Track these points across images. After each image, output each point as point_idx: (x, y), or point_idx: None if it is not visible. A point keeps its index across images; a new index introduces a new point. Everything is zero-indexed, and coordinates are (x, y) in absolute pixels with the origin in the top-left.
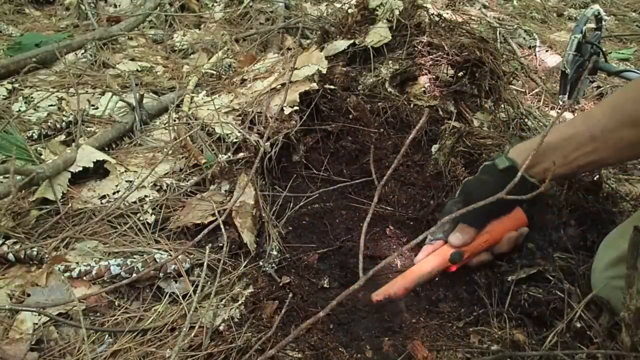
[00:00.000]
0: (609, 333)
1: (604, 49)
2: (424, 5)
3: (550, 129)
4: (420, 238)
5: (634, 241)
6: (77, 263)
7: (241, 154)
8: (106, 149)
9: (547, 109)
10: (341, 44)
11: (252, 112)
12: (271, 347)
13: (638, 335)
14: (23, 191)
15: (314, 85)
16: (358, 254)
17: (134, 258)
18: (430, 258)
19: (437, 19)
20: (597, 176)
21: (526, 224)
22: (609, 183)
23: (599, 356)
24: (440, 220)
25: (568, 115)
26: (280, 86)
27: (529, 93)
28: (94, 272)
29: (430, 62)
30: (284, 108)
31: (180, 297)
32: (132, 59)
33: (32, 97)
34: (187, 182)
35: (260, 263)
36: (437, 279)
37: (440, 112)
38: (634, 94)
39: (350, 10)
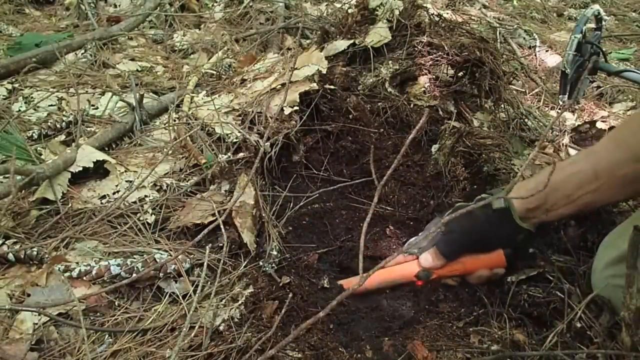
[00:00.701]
0: (609, 333)
1: (604, 49)
2: (424, 5)
3: (553, 172)
4: (420, 238)
5: (633, 241)
6: (77, 263)
7: (241, 154)
8: (106, 149)
9: (547, 109)
10: (341, 44)
11: (252, 112)
12: (271, 347)
13: (638, 335)
14: (23, 191)
15: (314, 85)
16: (358, 254)
17: (134, 258)
18: (398, 268)
19: (437, 19)
20: None
21: (504, 266)
22: None
23: (599, 356)
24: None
25: (568, 115)
26: (280, 86)
27: (529, 93)
28: (94, 272)
29: (430, 62)
30: (284, 108)
31: (180, 297)
32: (132, 59)
33: (32, 97)
34: (187, 182)
35: (260, 263)
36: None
37: (440, 112)
38: (636, 127)
39: (350, 10)
